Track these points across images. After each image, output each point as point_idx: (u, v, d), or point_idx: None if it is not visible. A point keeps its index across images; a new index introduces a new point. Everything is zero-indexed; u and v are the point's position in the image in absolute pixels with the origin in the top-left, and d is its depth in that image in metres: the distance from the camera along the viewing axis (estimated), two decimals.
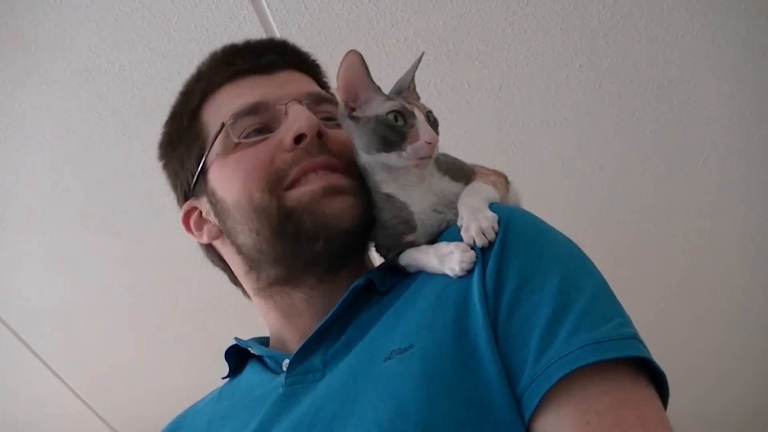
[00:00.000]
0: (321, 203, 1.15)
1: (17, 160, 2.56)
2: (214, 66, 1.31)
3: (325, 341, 1.14)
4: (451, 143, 2.51)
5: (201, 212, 1.30)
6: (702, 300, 3.21)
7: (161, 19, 2.22)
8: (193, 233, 1.33)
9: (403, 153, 1.10)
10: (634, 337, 0.92)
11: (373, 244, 1.25)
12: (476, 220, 1.05)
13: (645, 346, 0.93)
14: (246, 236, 1.21)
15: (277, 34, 2.26)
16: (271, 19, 2.22)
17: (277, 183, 1.16)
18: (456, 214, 1.13)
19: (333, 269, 1.20)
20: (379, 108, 1.13)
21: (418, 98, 1.21)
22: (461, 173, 1.20)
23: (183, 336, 3.26)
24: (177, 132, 1.32)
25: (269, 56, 1.30)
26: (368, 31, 2.27)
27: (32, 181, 2.64)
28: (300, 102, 1.22)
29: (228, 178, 1.21)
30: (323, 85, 1.39)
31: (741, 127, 2.54)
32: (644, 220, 2.88)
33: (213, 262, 1.39)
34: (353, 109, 1.17)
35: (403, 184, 1.15)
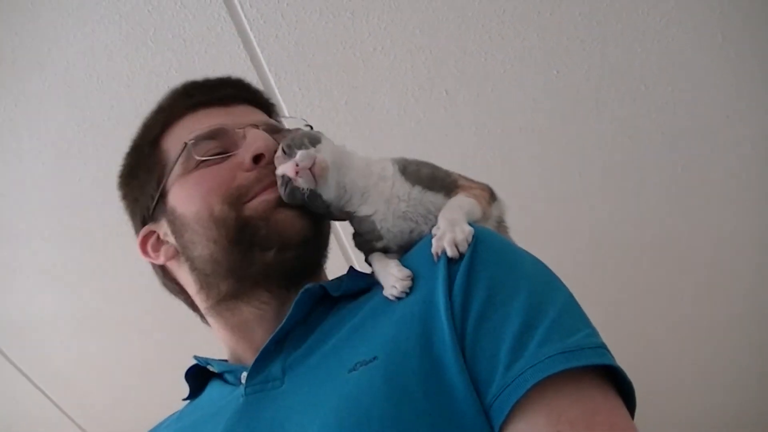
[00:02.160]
0: (275, 212, 1.21)
1: None
2: (175, 98, 1.37)
3: (284, 349, 1.15)
4: (430, 151, 2.54)
5: (158, 235, 1.33)
6: (690, 306, 3.21)
7: (139, 30, 2.22)
8: (149, 256, 1.36)
9: (315, 189, 1.18)
10: (602, 347, 0.95)
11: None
12: (452, 231, 1.07)
13: (612, 356, 0.95)
14: (203, 247, 1.24)
15: (255, 45, 2.26)
16: (248, 29, 2.23)
17: (237, 198, 1.22)
18: (432, 226, 1.14)
19: (285, 282, 1.23)
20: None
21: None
22: (440, 184, 1.22)
23: (164, 348, 3.24)
24: (137, 161, 1.37)
25: (227, 90, 1.38)
26: (345, 40, 2.27)
27: (11, 195, 2.62)
28: (257, 127, 1.29)
29: (189, 194, 1.26)
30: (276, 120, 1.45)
31: (718, 131, 2.56)
32: (624, 226, 2.89)
33: (168, 288, 1.43)
34: None
35: (359, 202, 1.20)
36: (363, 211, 1.20)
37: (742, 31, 2.29)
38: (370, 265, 1.21)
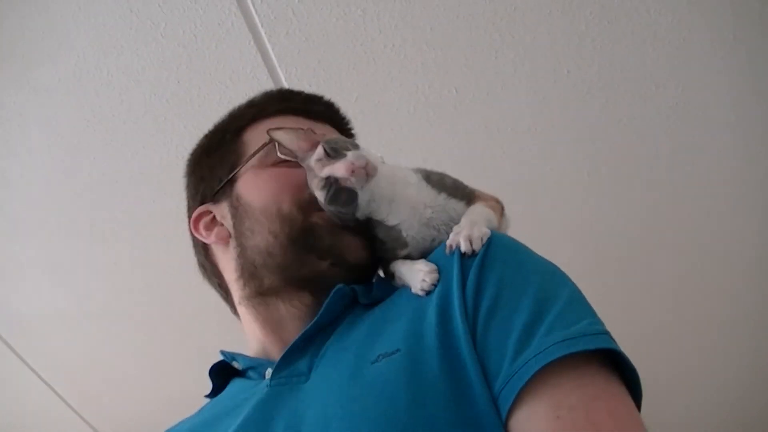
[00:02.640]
0: (342, 233, 1.25)
1: (5, 167, 2.55)
2: (268, 99, 1.45)
3: (311, 347, 1.18)
4: (439, 149, 2.54)
5: (214, 216, 1.37)
6: (695, 305, 3.21)
7: (149, 25, 2.22)
8: (200, 233, 1.39)
9: (358, 190, 1.18)
10: (605, 333, 0.97)
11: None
12: (470, 229, 1.11)
13: (616, 342, 0.96)
14: (262, 237, 1.28)
15: (266, 41, 2.26)
16: (259, 25, 2.23)
17: (308, 204, 1.26)
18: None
19: (328, 291, 1.24)
20: (322, 204, 1.23)
21: (313, 141, 1.30)
22: (462, 193, 1.27)
23: (174, 343, 3.25)
24: (217, 143, 1.42)
25: (318, 106, 1.47)
26: (356, 38, 2.27)
27: (20, 189, 2.63)
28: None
29: (261, 186, 1.31)
30: None
31: (729, 130, 2.55)
32: (633, 225, 2.89)
33: (205, 268, 1.46)
34: None
35: (387, 210, 1.22)
36: (391, 220, 1.22)
37: (754, 30, 2.28)
38: (390, 273, 1.25)
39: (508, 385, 0.92)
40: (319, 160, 1.21)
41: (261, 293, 1.29)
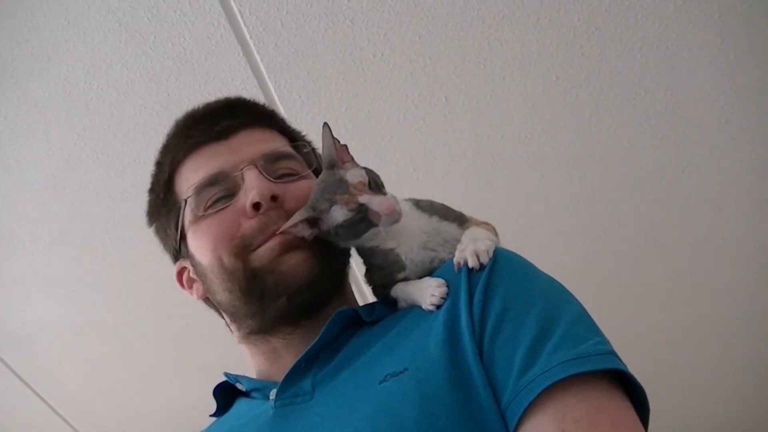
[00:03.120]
0: (278, 261, 1.23)
1: None
2: (176, 140, 1.40)
3: (313, 367, 1.18)
4: (430, 158, 2.55)
5: (189, 272, 1.38)
6: (689, 307, 3.21)
7: (138, 38, 2.22)
8: (185, 289, 1.41)
9: (380, 227, 1.18)
10: (612, 353, 0.98)
11: (370, 287, 1.31)
12: (474, 244, 1.13)
13: (622, 362, 0.98)
14: (222, 294, 1.29)
15: (255, 52, 2.26)
16: (248, 36, 2.23)
17: (243, 248, 1.24)
18: (448, 253, 1.21)
19: (305, 316, 1.26)
20: (333, 219, 1.19)
21: (351, 157, 1.28)
22: (451, 214, 1.28)
23: (167, 356, 3.24)
24: (155, 203, 1.41)
25: (223, 122, 1.36)
26: (345, 48, 2.28)
27: (12, 203, 2.62)
28: (255, 165, 1.29)
29: (200, 245, 1.30)
30: (284, 129, 1.47)
31: (718, 133, 2.56)
32: (623, 230, 2.89)
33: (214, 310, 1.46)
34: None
35: (383, 236, 1.21)
36: (389, 244, 1.22)
37: (740, 35, 2.29)
38: (388, 297, 1.25)
39: (516, 400, 0.94)
40: (362, 183, 1.19)
41: (250, 334, 1.31)
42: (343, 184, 1.18)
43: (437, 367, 1.00)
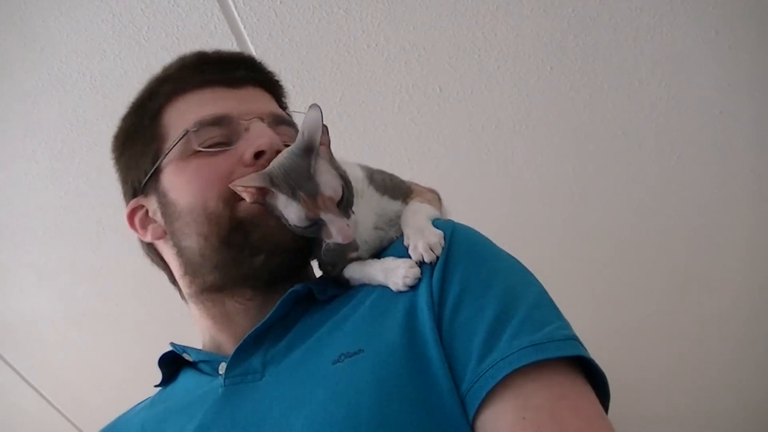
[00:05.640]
0: (266, 217, 1.17)
1: None
2: (184, 71, 1.33)
3: (264, 344, 1.16)
4: (424, 148, 2.55)
5: (147, 211, 1.31)
6: (685, 302, 3.22)
7: (132, 29, 2.21)
8: (136, 230, 1.35)
9: (330, 241, 1.13)
10: (573, 338, 0.97)
11: (317, 263, 1.28)
12: (423, 237, 1.10)
13: (584, 347, 0.97)
14: (192, 240, 1.23)
15: (249, 43, 2.26)
16: (242, 27, 2.22)
17: (233, 195, 1.18)
18: (397, 231, 1.19)
19: (270, 283, 1.22)
20: (285, 213, 1.13)
21: (328, 140, 1.17)
22: (399, 191, 1.25)
23: (159, 346, 3.23)
24: (135, 129, 1.33)
25: (239, 71, 1.33)
26: (339, 38, 2.27)
27: (5, 194, 2.62)
28: (262, 120, 1.26)
29: (185, 183, 1.23)
30: (283, 107, 1.43)
31: (712, 124, 2.56)
32: (617, 222, 2.90)
33: (152, 260, 1.41)
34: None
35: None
36: None
37: (735, 26, 2.29)
38: (343, 277, 1.21)
39: (475, 386, 0.93)
40: (331, 200, 1.10)
41: (205, 290, 1.26)
42: (311, 186, 1.10)
43: (395, 350, 0.99)
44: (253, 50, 2.28)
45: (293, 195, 1.10)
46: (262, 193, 1.14)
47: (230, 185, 1.14)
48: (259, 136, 1.22)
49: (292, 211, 1.11)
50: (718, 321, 3.29)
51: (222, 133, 1.24)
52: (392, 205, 1.22)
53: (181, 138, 1.24)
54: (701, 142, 2.62)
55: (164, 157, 1.25)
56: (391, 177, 1.27)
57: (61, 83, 2.32)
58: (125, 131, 1.36)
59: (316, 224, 1.11)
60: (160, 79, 1.35)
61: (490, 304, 0.99)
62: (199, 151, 1.23)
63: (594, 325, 2.94)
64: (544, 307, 1.02)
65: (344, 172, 1.14)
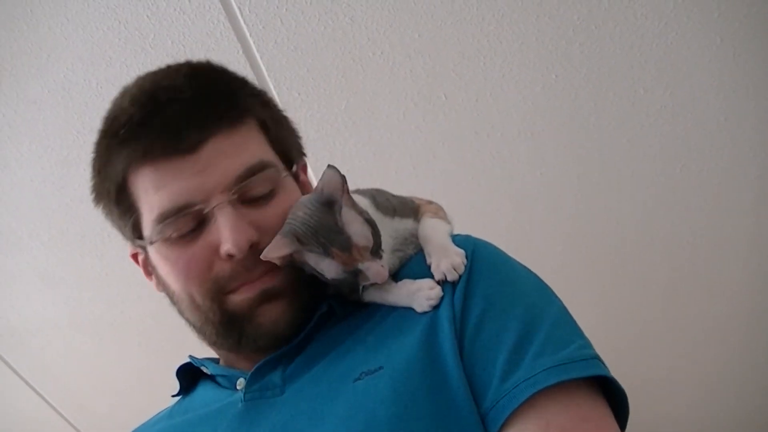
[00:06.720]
0: (257, 313, 1.15)
1: None
2: (133, 137, 1.17)
3: (283, 360, 1.15)
4: (429, 156, 2.55)
5: (147, 258, 1.26)
6: (689, 305, 3.21)
7: (138, 36, 2.22)
8: (140, 267, 1.33)
9: (367, 285, 1.13)
10: (595, 357, 0.98)
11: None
12: (446, 256, 1.10)
13: (605, 366, 0.98)
14: (192, 317, 1.22)
15: (254, 50, 2.26)
16: (247, 34, 2.23)
17: (217, 291, 1.16)
18: (415, 248, 1.20)
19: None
20: (322, 269, 1.11)
21: (347, 189, 1.13)
22: (406, 208, 1.24)
23: (163, 352, 3.24)
24: (107, 193, 1.24)
25: (189, 134, 1.14)
26: (344, 46, 2.27)
27: (11, 200, 2.62)
28: (228, 198, 1.13)
29: (169, 271, 1.19)
30: (262, 118, 1.26)
31: (717, 131, 2.56)
32: (622, 228, 2.89)
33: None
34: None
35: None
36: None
37: (740, 33, 2.29)
38: (361, 301, 1.19)
39: (498, 406, 0.93)
40: (366, 249, 1.09)
41: (213, 345, 1.27)
42: (343, 239, 1.08)
43: (413, 366, 0.99)
44: (259, 58, 2.28)
45: (326, 252, 1.08)
46: (291, 254, 1.11)
47: (262, 257, 1.08)
48: (226, 238, 1.11)
49: (326, 267, 1.10)
50: (720, 326, 3.28)
51: (190, 219, 1.14)
52: (404, 224, 1.22)
53: (151, 231, 1.16)
54: (706, 149, 2.61)
55: (143, 231, 1.20)
56: (392, 196, 1.27)
57: (67, 90, 2.33)
58: (98, 193, 1.28)
59: (352, 272, 1.10)
60: (112, 134, 1.22)
61: (513, 323, 1.00)
62: (173, 239, 1.16)
63: (598, 329, 2.94)
64: (565, 325, 1.03)
65: (368, 214, 1.12)
